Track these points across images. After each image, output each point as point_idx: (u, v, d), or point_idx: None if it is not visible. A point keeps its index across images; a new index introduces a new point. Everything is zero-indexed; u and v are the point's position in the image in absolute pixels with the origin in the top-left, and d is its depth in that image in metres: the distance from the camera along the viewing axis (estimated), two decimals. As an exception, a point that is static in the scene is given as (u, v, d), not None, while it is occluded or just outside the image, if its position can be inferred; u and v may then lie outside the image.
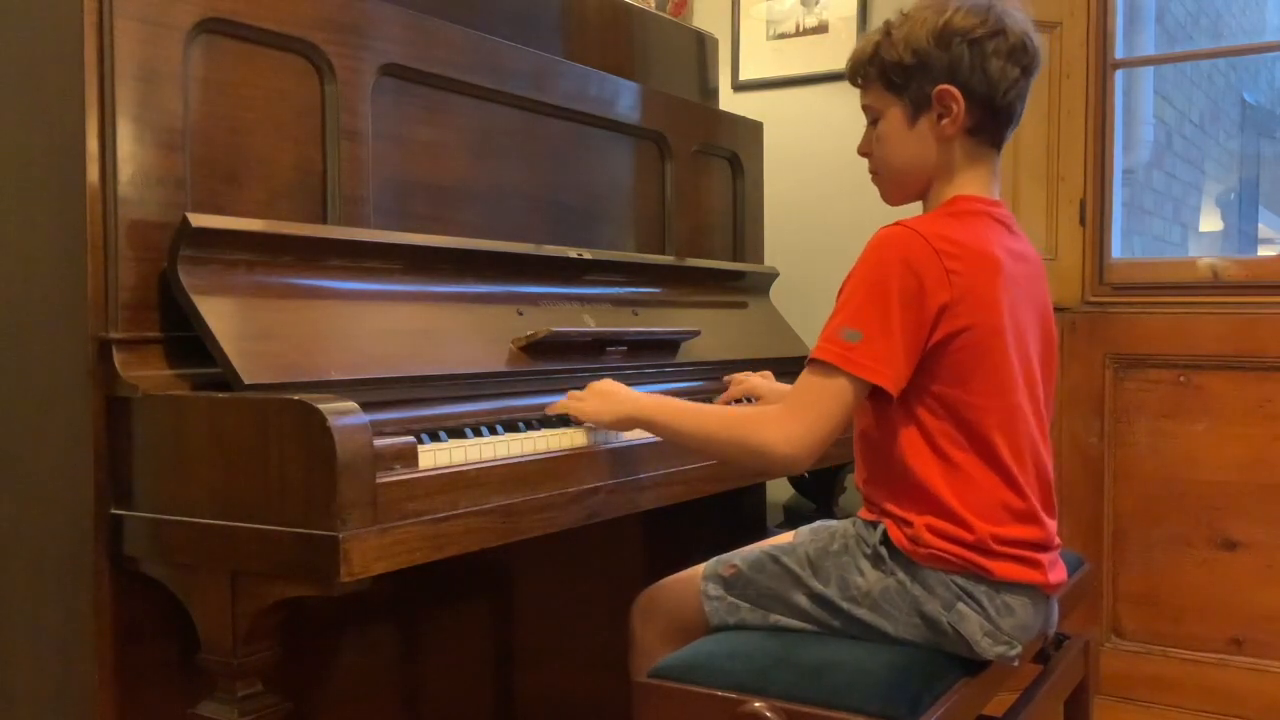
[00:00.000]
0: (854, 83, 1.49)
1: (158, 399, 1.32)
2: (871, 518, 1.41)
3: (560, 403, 1.60)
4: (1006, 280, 1.36)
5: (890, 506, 1.38)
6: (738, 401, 1.90)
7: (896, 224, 1.36)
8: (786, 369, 2.21)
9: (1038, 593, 1.39)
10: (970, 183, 1.43)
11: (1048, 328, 1.49)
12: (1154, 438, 2.44)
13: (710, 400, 1.99)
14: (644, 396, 1.53)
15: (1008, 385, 1.36)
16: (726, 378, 1.96)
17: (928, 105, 1.40)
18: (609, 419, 1.54)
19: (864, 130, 1.50)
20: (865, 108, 1.49)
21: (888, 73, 1.42)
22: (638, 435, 1.62)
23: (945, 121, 1.40)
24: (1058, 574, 1.41)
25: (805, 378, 1.34)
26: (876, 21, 1.48)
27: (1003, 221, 1.43)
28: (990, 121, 1.41)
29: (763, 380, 1.93)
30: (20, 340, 1.43)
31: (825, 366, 1.31)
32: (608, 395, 1.56)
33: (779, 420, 1.34)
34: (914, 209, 1.49)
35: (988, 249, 1.36)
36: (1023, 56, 1.39)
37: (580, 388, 1.59)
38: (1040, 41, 1.42)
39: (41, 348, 1.40)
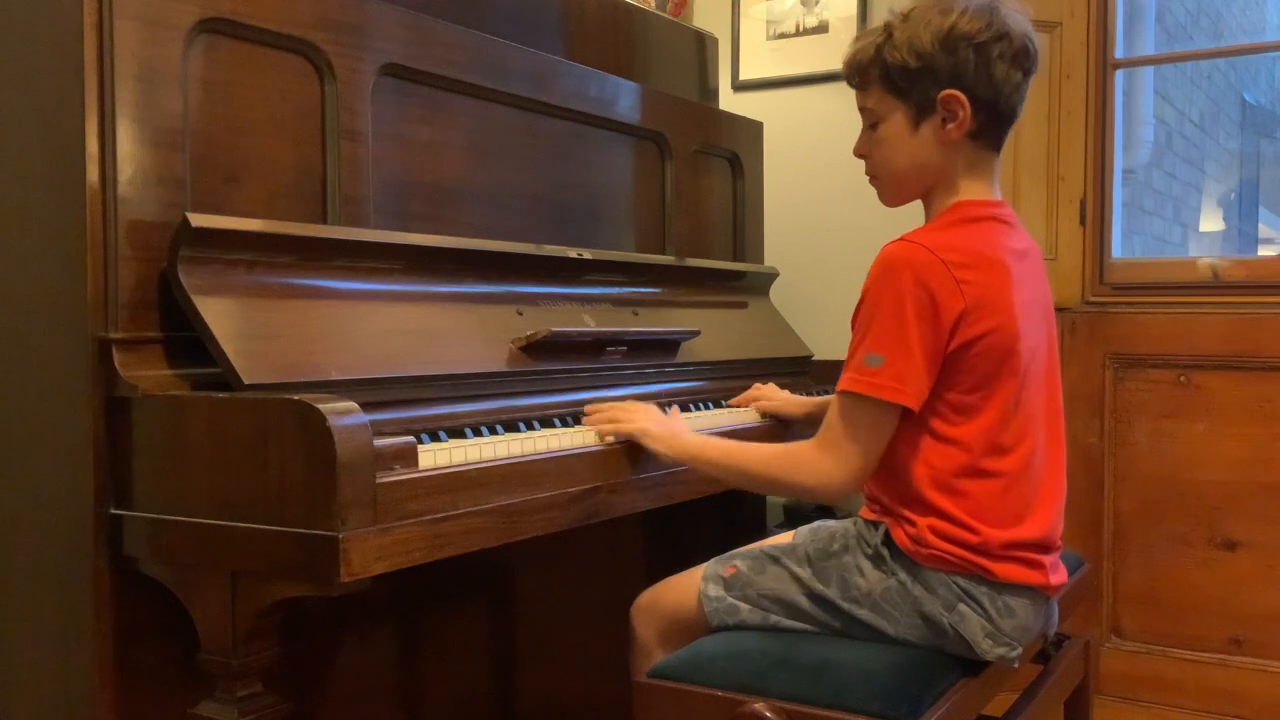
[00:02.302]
0: (851, 83, 1.47)
1: (158, 399, 1.32)
2: (873, 517, 1.41)
3: (602, 419, 1.58)
4: (1016, 283, 1.36)
5: (894, 507, 1.38)
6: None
7: (901, 240, 1.35)
8: (786, 369, 2.21)
9: (1039, 594, 1.39)
10: (973, 186, 1.42)
11: (1051, 323, 1.48)
12: (1154, 438, 2.44)
13: (720, 403, 2.00)
14: (688, 433, 1.56)
15: (1021, 389, 1.35)
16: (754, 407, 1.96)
17: (931, 109, 1.39)
18: (666, 451, 1.53)
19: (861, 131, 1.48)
20: (863, 109, 1.46)
21: (890, 76, 1.40)
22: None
23: (950, 126, 1.38)
24: (1059, 575, 1.41)
25: (834, 412, 1.36)
26: (876, 22, 1.47)
27: (1006, 221, 1.43)
28: (993, 125, 1.40)
29: (777, 394, 1.96)
30: (20, 340, 1.43)
31: (851, 397, 1.33)
32: (664, 421, 1.57)
33: (813, 458, 1.37)
34: (913, 211, 1.48)
35: (997, 255, 1.36)
36: (1025, 60, 1.38)
37: (580, 387, 1.59)
38: (1039, 42, 1.42)
39: (41, 348, 1.40)
